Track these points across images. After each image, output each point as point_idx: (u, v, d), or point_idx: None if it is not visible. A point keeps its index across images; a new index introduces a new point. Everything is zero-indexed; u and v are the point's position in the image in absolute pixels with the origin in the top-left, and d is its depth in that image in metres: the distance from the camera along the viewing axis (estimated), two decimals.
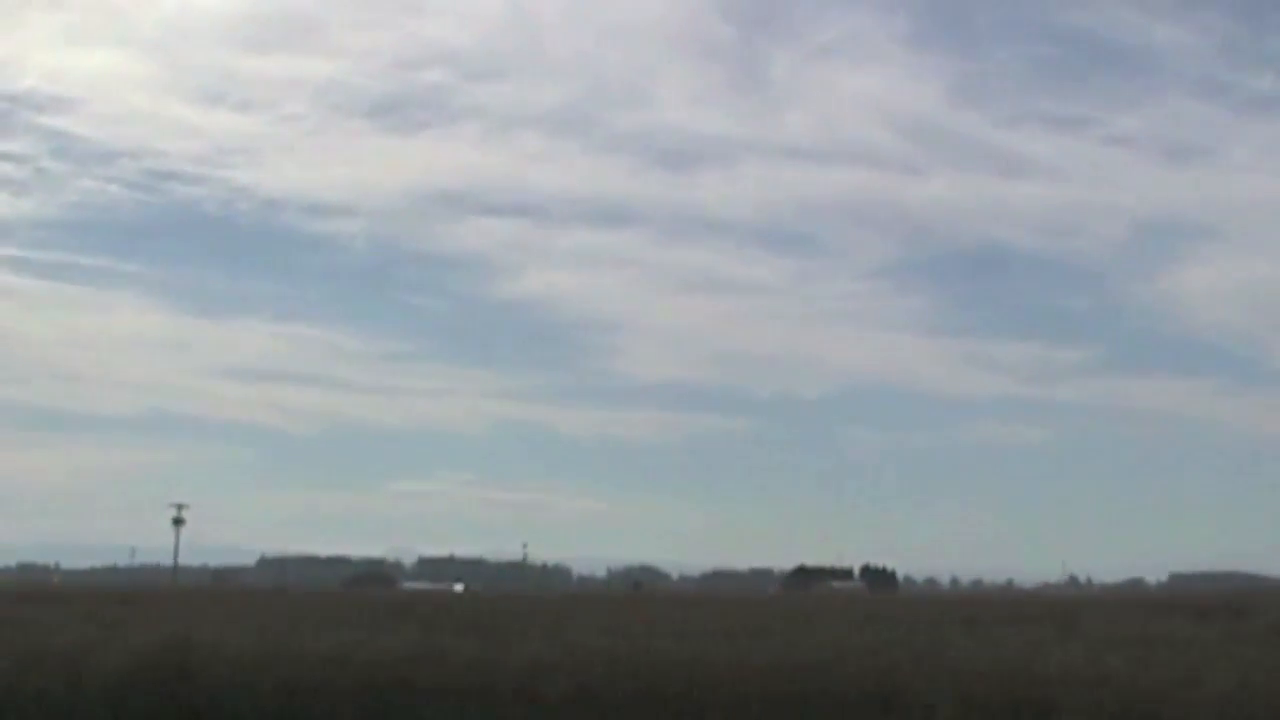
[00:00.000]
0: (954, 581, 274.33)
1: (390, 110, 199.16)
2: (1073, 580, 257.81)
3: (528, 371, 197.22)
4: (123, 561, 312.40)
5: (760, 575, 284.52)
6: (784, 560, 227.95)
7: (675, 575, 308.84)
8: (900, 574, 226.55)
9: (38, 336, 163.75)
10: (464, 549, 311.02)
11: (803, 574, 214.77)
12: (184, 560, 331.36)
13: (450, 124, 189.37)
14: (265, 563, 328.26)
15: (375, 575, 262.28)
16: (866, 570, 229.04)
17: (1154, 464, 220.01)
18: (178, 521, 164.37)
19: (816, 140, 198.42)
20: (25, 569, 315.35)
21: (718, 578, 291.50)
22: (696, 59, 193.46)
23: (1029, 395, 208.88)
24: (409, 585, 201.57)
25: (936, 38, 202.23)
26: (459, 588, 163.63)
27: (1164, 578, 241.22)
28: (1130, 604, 35.77)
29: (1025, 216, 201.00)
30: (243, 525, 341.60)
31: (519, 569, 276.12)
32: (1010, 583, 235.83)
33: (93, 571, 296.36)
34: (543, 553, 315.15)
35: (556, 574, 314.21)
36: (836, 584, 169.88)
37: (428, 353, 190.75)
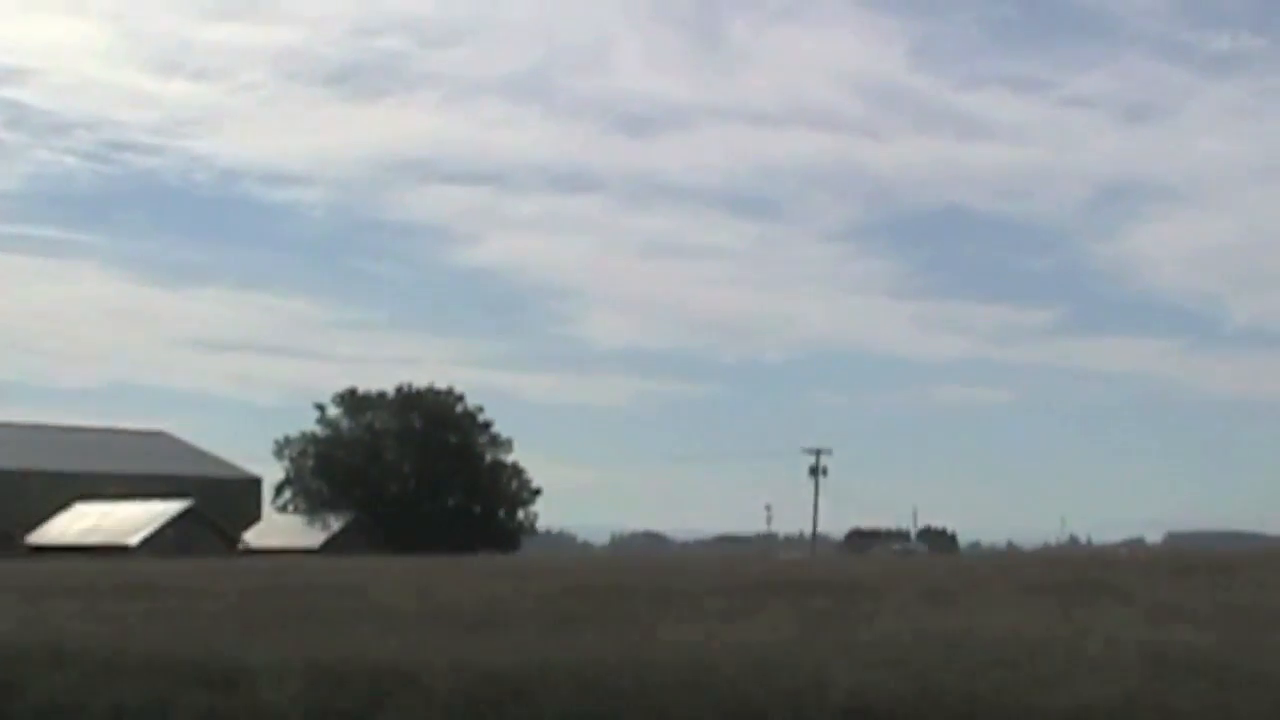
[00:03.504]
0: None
1: (348, 78, 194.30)
2: (1073, 540, 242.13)
3: (491, 339, 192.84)
4: None
5: (767, 540, 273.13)
6: (788, 525, 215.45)
7: (678, 541, 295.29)
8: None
9: None
10: None
11: (860, 536, 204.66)
12: None
13: (409, 91, 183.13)
14: None
15: None
16: (926, 531, 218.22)
17: (1122, 424, 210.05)
18: (816, 471, 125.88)
19: (777, 104, 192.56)
20: None
21: (725, 543, 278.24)
22: (654, 23, 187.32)
23: (993, 357, 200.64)
24: None
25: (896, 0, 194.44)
26: None
27: (1159, 537, 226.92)
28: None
29: (986, 179, 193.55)
30: None
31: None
32: (1010, 544, 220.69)
33: None
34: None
35: (561, 540, 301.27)
36: (897, 546, 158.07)
37: (390, 321, 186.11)
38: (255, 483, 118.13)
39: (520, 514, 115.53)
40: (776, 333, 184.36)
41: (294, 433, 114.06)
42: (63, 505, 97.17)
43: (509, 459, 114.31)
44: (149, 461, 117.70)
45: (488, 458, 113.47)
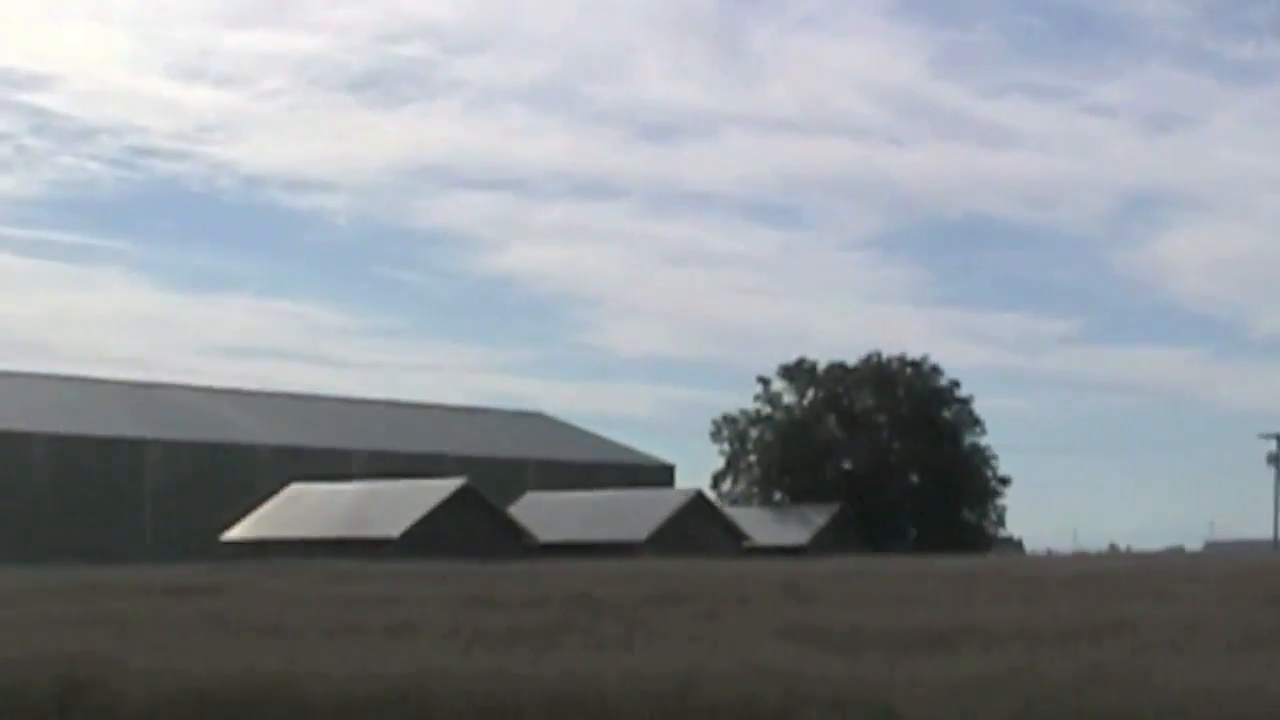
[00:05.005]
0: None
1: (371, 85, 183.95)
2: (1114, 549, 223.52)
3: (513, 346, 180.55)
4: None
5: None
6: None
7: None
8: None
9: (21, 315, 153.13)
10: None
11: None
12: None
13: (431, 98, 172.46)
14: None
15: None
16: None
17: (1145, 433, 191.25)
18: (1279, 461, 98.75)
19: (799, 112, 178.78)
20: None
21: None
22: (677, 31, 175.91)
23: (1015, 365, 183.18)
24: None
25: (919, 8, 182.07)
26: None
27: (1198, 545, 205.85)
28: None
29: (1009, 187, 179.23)
30: None
31: None
32: (1049, 551, 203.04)
33: None
34: None
35: None
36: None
37: (412, 328, 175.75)
38: (668, 470, 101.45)
39: (989, 509, 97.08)
40: (798, 341, 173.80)
41: (731, 411, 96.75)
42: (505, 494, 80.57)
43: (982, 441, 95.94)
44: (550, 446, 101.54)
45: (965, 441, 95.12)
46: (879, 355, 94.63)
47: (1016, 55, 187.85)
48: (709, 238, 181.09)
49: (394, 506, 64.94)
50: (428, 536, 62.73)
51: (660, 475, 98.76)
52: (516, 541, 66.22)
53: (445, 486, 65.63)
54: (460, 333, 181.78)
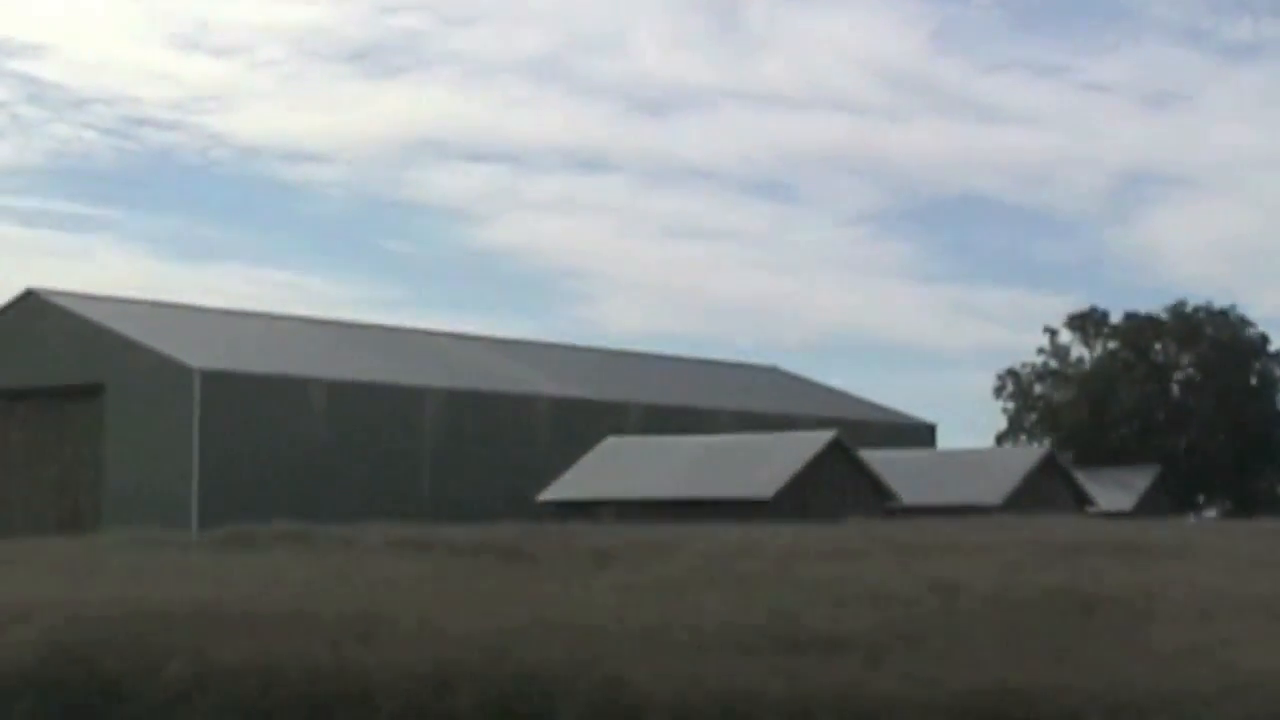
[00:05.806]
0: None
1: (367, 56, 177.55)
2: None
3: (507, 319, 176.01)
4: None
5: None
6: None
7: None
8: None
9: (15, 283, 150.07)
10: None
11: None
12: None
13: (428, 70, 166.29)
14: None
15: None
16: None
17: None
18: None
19: (795, 87, 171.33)
20: None
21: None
22: (673, 5, 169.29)
23: (1010, 343, 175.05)
24: None
25: None
26: None
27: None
28: None
29: (1005, 164, 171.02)
30: None
31: None
32: None
33: None
34: None
35: None
36: None
37: (406, 300, 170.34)
38: (929, 429, 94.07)
39: None
40: (793, 316, 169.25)
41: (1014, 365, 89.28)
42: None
43: None
44: (803, 401, 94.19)
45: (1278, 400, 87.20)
46: (1183, 304, 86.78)
47: (1015, 31, 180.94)
48: (705, 212, 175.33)
49: (749, 462, 58.02)
50: (798, 496, 56.01)
51: (922, 434, 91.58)
52: (880, 502, 59.33)
53: (816, 440, 58.65)
54: (454, 305, 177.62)
